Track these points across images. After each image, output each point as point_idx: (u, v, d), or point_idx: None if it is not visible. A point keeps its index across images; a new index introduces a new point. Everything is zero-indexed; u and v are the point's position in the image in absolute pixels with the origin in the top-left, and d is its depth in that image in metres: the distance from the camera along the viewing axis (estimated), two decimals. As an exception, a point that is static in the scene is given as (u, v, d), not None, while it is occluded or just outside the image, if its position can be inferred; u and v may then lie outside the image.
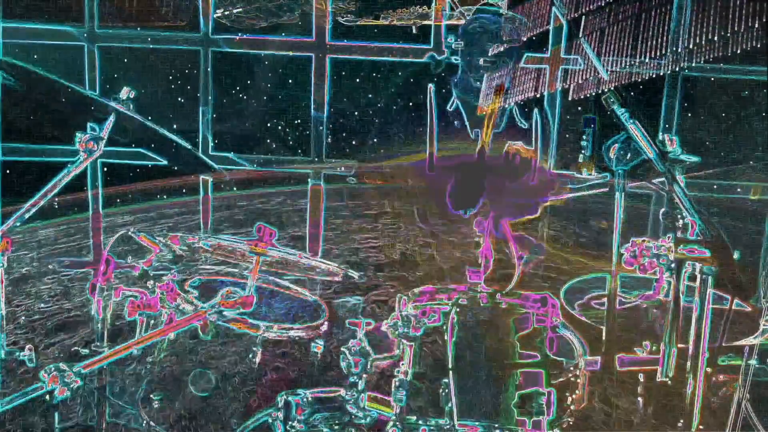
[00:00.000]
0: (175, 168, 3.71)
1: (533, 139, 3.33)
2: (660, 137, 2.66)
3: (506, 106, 3.34)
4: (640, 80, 3.25)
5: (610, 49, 3.17)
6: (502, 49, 3.30)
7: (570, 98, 3.28)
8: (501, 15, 3.30)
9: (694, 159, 2.70)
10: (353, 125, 3.80)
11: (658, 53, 3.15)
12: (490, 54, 3.31)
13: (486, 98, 3.31)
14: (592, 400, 2.97)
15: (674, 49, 3.11)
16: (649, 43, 3.14)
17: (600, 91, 2.87)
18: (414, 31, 3.58)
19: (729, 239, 2.51)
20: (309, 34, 3.73)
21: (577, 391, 2.96)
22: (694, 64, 3.20)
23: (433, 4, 3.57)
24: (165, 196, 3.95)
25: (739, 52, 2.95)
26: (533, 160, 3.21)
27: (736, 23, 2.91)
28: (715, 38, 2.99)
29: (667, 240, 2.61)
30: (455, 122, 3.45)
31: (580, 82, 3.21)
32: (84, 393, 2.89)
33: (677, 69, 3.21)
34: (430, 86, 3.48)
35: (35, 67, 3.25)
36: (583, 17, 3.24)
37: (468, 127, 3.47)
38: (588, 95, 3.20)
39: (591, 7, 3.19)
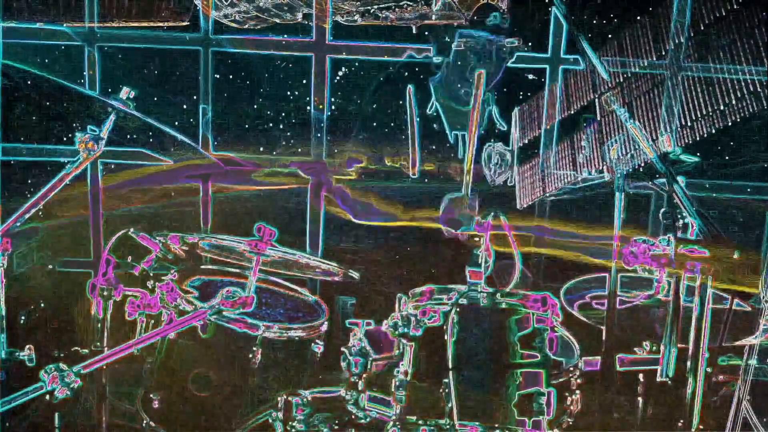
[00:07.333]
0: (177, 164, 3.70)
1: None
2: (660, 137, 2.66)
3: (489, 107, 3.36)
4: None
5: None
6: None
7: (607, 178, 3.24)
8: (489, 39, 3.30)
9: (695, 159, 2.70)
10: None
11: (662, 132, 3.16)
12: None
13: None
14: (592, 399, 2.97)
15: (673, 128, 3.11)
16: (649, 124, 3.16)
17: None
18: (414, 31, 3.58)
19: (728, 239, 2.51)
20: (309, 33, 3.73)
21: (577, 391, 2.96)
22: (693, 65, 3.20)
23: (433, 4, 3.58)
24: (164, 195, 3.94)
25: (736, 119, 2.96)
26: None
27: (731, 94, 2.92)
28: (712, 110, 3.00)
29: (666, 240, 2.61)
30: (434, 125, 3.44)
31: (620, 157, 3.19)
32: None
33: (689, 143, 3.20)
34: (410, 88, 3.47)
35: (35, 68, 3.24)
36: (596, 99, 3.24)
37: (447, 129, 3.47)
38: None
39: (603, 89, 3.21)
